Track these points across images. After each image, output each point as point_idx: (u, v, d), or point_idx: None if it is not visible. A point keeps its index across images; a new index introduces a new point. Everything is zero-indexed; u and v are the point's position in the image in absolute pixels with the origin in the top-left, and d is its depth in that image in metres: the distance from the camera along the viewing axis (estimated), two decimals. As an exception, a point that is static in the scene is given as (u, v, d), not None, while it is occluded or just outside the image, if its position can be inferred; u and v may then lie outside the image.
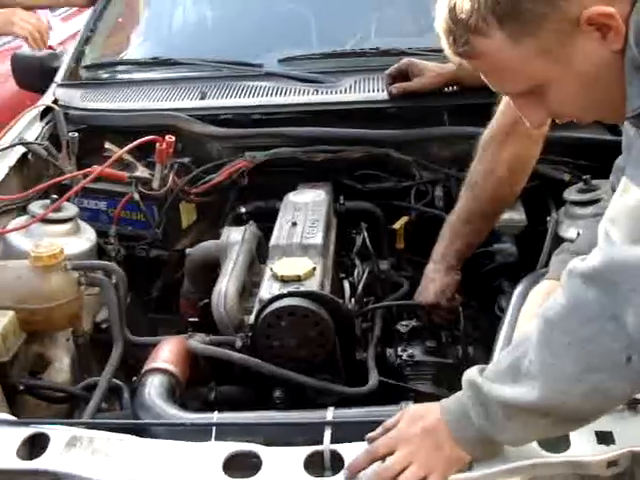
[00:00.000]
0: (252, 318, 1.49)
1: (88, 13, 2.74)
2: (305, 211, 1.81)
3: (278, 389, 1.46)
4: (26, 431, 1.23)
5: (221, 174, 2.00)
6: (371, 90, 2.11)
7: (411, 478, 1.10)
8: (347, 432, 1.21)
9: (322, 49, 2.35)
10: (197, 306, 1.78)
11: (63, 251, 1.53)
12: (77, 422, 1.32)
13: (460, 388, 1.14)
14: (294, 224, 1.74)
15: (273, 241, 1.70)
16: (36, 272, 1.50)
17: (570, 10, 0.99)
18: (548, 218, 1.76)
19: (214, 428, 1.25)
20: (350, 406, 1.35)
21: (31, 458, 1.19)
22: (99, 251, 1.85)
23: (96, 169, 1.84)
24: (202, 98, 2.14)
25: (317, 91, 2.13)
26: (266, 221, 1.88)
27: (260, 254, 1.79)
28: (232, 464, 1.16)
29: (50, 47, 3.03)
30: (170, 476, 1.15)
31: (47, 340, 1.57)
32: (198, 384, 1.52)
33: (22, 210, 1.85)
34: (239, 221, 1.97)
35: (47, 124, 2.13)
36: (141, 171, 1.95)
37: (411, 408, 1.20)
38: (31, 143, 2.02)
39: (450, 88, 2.05)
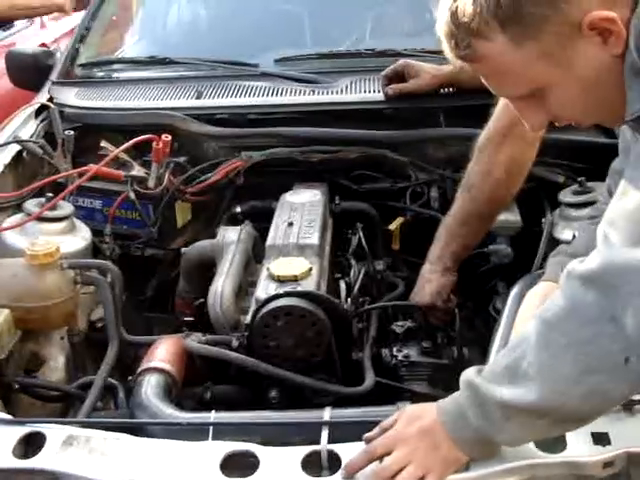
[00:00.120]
0: (249, 318, 1.49)
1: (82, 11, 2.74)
2: (301, 211, 1.81)
3: (274, 389, 1.46)
4: (22, 430, 1.22)
5: (217, 173, 2.00)
6: (367, 91, 2.11)
7: (409, 478, 1.10)
8: (344, 432, 1.21)
9: (318, 49, 2.35)
10: (192, 305, 1.78)
11: (59, 249, 1.53)
12: (73, 421, 1.31)
13: (455, 389, 1.14)
14: (290, 224, 1.74)
15: (269, 241, 1.70)
16: (32, 270, 1.50)
17: (571, 14, 0.99)
18: (543, 220, 1.77)
19: (211, 428, 1.25)
20: (346, 406, 1.35)
21: (27, 457, 1.18)
22: (94, 250, 1.84)
23: (92, 168, 1.84)
24: (198, 97, 2.14)
25: (313, 91, 2.13)
26: (262, 221, 1.88)
27: (256, 254, 1.79)
28: (230, 464, 1.16)
29: (44, 45, 3.02)
30: (168, 475, 1.15)
31: (42, 339, 1.56)
32: (193, 384, 1.51)
33: (17, 208, 1.84)
34: (234, 221, 1.97)
35: (42, 122, 2.13)
36: (137, 170, 1.94)
37: (408, 408, 1.20)
38: (26, 141, 2.01)
39: (446, 90, 2.05)
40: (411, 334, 1.65)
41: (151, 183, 1.93)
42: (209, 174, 2.01)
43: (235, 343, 1.49)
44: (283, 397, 1.45)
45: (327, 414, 1.26)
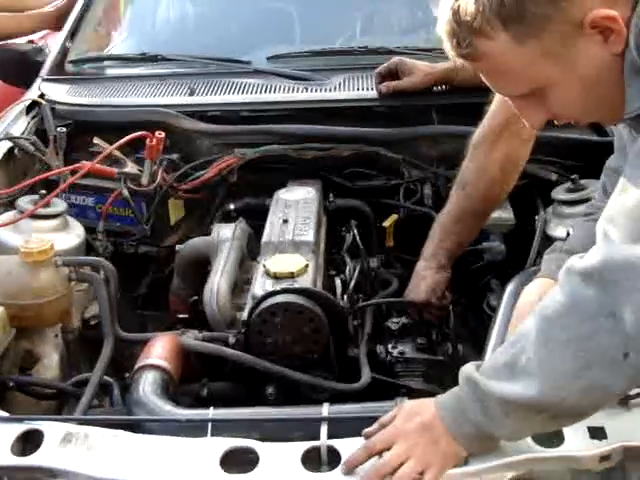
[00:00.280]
0: (245, 314, 1.49)
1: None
2: (296, 208, 1.81)
3: (271, 385, 1.46)
4: (20, 427, 1.21)
5: (210, 171, 2.00)
6: (360, 88, 2.12)
7: (409, 473, 1.11)
8: (342, 428, 1.22)
9: (311, 47, 2.35)
10: (187, 303, 1.78)
11: (53, 247, 1.52)
12: (72, 418, 1.31)
13: (450, 385, 1.15)
14: (285, 221, 1.74)
15: (265, 238, 1.70)
16: (26, 268, 1.49)
17: (573, 12, 1.00)
18: (536, 217, 1.78)
19: (210, 424, 1.25)
20: (342, 402, 1.35)
21: (25, 455, 1.18)
22: (87, 247, 1.83)
23: (85, 165, 1.83)
24: (191, 94, 2.13)
25: (306, 89, 2.13)
26: (255, 218, 1.88)
27: (250, 251, 1.79)
28: (229, 460, 1.16)
29: (31, 41, 3.00)
30: (168, 472, 1.15)
31: (36, 336, 1.55)
32: (190, 381, 1.51)
33: (8, 206, 1.83)
34: (228, 218, 1.97)
35: (33, 119, 2.11)
36: (130, 167, 1.94)
37: (407, 404, 1.21)
38: (18, 138, 1.99)
39: (439, 87, 2.06)
40: (406, 331, 1.65)
41: (144, 180, 1.92)
42: (202, 171, 2.01)
43: (232, 340, 1.49)
44: (280, 394, 1.45)
45: (326, 410, 1.26)
